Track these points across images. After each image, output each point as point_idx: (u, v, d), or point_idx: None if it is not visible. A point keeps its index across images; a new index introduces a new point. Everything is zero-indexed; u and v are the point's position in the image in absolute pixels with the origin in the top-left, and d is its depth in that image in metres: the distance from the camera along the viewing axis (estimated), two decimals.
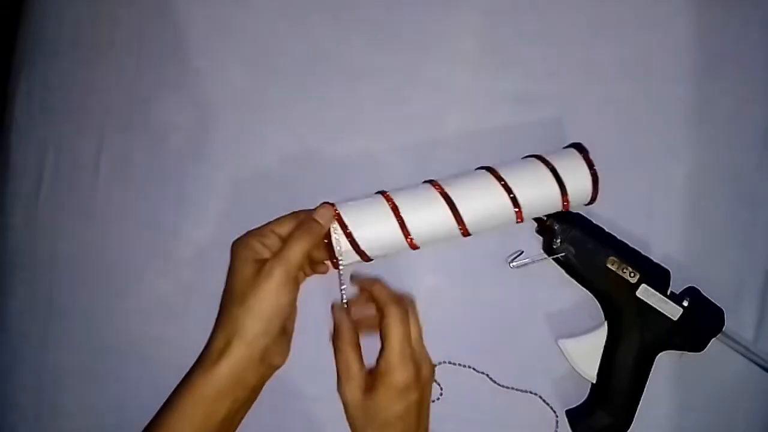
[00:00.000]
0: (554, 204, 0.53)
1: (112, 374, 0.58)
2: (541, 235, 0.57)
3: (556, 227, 0.55)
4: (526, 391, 0.56)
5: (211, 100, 0.59)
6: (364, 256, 0.52)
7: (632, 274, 0.54)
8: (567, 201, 0.52)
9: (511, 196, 0.51)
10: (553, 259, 0.55)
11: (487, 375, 0.56)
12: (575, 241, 0.54)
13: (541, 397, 0.56)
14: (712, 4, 0.58)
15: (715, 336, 0.55)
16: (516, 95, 0.58)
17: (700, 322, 0.54)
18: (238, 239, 0.51)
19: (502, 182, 0.52)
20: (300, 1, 0.59)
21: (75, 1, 0.61)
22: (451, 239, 0.52)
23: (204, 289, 0.56)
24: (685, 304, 0.54)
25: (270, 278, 0.47)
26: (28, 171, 0.61)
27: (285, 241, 0.50)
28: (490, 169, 0.53)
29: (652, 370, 0.55)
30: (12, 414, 0.59)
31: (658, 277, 0.54)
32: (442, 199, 0.52)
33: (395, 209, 0.51)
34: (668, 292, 0.54)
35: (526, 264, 0.56)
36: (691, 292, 0.55)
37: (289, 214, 0.52)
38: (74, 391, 0.59)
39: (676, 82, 0.58)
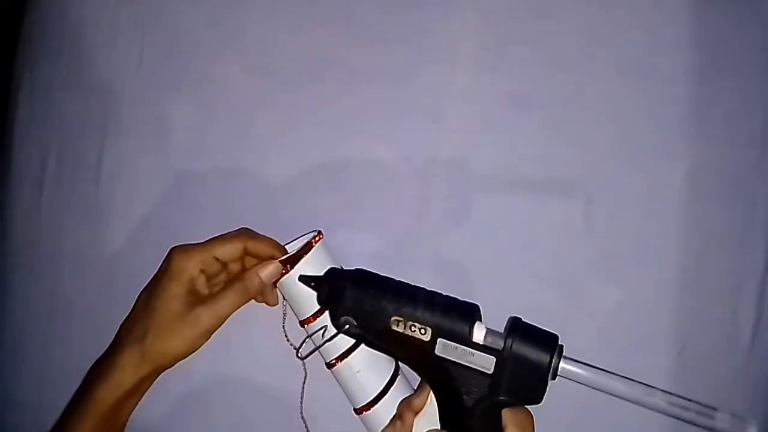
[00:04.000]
0: None
1: None
2: (321, 304, 0.50)
3: (324, 293, 0.48)
4: None
5: (212, 100, 0.59)
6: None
7: (423, 331, 0.45)
8: None
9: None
10: (344, 333, 0.47)
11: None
12: (351, 307, 0.46)
13: None
14: (711, 5, 0.58)
15: (546, 380, 0.44)
16: (515, 95, 0.58)
17: (525, 366, 0.44)
18: (180, 252, 0.50)
19: None
20: (300, 2, 0.59)
21: (76, 2, 0.61)
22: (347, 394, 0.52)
23: None
24: (499, 346, 0.44)
25: (197, 327, 0.49)
26: (30, 171, 0.61)
27: (224, 285, 0.51)
28: None
29: (652, 369, 0.55)
30: (14, 412, 0.60)
31: (459, 322, 0.45)
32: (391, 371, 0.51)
33: None
34: (482, 336, 0.45)
35: (316, 350, 0.51)
36: (513, 328, 0.45)
37: (234, 234, 0.52)
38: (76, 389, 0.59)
39: (674, 83, 0.58)
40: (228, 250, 0.51)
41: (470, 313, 0.46)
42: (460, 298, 0.48)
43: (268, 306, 0.54)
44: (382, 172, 0.58)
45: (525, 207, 0.57)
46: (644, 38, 0.58)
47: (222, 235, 0.52)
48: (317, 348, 0.50)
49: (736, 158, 0.58)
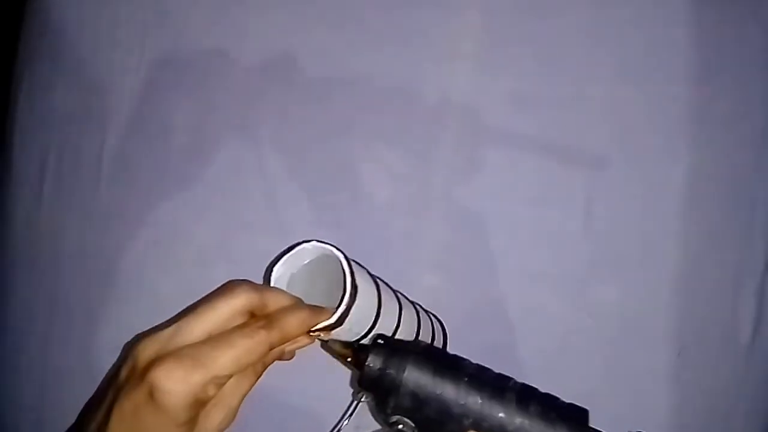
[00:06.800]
0: None
1: None
2: (363, 387, 0.38)
3: (370, 375, 0.36)
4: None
5: (212, 100, 0.59)
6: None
7: None
8: None
9: None
10: None
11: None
12: (409, 408, 0.35)
13: None
14: (711, 6, 0.58)
15: None
16: (516, 95, 0.58)
17: None
18: (170, 377, 0.33)
19: None
20: (300, 2, 0.59)
21: (76, 2, 0.61)
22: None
23: (205, 289, 0.56)
24: None
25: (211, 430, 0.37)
26: (31, 171, 0.61)
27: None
28: None
29: (652, 368, 0.55)
30: (14, 413, 0.60)
31: None
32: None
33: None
34: None
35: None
36: None
37: (253, 338, 0.35)
38: (76, 390, 0.59)
39: (674, 83, 0.58)
40: (243, 361, 0.35)
41: (581, 428, 0.35)
42: (563, 399, 0.36)
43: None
44: (382, 172, 0.58)
45: (525, 206, 0.57)
46: (644, 38, 0.58)
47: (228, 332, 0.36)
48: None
49: (736, 158, 0.58)
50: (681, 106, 0.58)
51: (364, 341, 0.40)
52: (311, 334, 0.39)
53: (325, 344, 0.40)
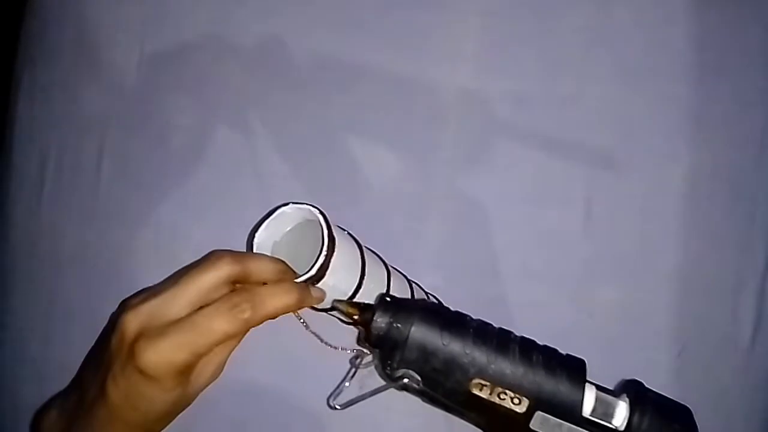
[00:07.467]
0: None
1: None
2: (371, 344, 0.38)
3: (377, 332, 0.36)
4: None
5: (211, 100, 0.59)
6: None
7: (517, 401, 0.34)
8: None
9: None
10: (399, 387, 0.37)
11: None
12: (414, 360, 0.35)
13: None
14: (712, 5, 0.58)
15: None
16: (516, 95, 0.58)
17: None
18: (155, 349, 0.36)
19: None
20: (300, 2, 0.59)
21: (76, 2, 0.61)
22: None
23: None
24: (621, 421, 0.34)
25: (203, 382, 0.40)
26: (31, 171, 0.61)
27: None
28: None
29: (652, 369, 0.55)
30: (14, 412, 0.60)
31: (570, 390, 0.35)
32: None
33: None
34: (591, 405, 0.35)
35: (355, 403, 0.40)
36: (640, 399, 0.36)
37: (222, 317, 0.37)
38: None
39: (674, 83, 0.58)
40: (224, 340, 0.38)
41: (580, 375, 0.36)
42: (561, 351, 0.38)
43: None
44: (382, 172, 0.58)
45: (525, 205, 0.57)
46: (644, 38, 0.58)
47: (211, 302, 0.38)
48: (359, 399, 0.40)
49: (736, 158, 0.58)
50: (681, 106, 0.58)
51: (368, 301, 0.41)
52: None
53: (330, 306, 0.41)
